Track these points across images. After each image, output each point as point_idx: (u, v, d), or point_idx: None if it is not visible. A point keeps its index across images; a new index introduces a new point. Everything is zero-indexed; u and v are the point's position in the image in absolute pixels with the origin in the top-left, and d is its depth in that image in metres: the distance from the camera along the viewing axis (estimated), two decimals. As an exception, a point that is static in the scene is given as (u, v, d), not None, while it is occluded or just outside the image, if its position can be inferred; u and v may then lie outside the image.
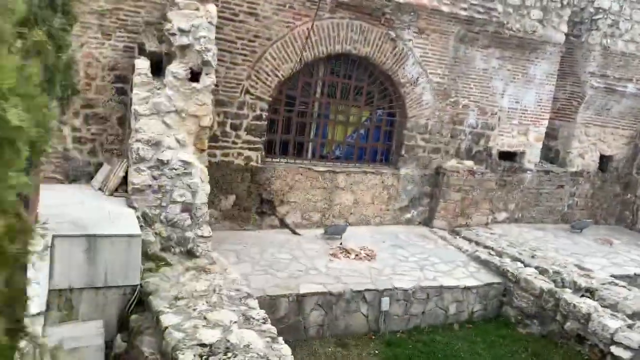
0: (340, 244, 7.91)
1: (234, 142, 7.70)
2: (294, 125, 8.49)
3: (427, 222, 9.62)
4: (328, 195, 8.65)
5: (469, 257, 8.23)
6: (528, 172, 10.52)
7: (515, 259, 8.08)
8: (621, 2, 10.51)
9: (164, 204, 6.16)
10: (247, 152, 7.82)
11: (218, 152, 7.62)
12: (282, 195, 8.26)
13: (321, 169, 8.53)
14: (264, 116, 7.85)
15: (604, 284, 7.17)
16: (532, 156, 10.53)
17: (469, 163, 9.65)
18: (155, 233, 6.12)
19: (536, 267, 7.74)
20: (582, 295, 6.99)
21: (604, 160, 11.77)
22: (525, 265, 7.81)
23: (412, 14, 8.37)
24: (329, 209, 8.72)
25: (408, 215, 9.51)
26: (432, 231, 9.35)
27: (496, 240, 8.96)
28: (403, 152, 9.18)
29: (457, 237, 9.21)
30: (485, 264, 7.95)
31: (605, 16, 10.38)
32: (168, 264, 5.93)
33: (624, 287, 7.15)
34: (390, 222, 9.34)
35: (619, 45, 10.70)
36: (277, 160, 8.32)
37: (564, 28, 9.98)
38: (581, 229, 10.75)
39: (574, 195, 11.33)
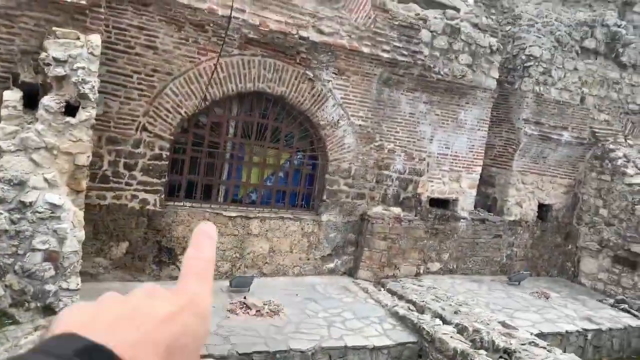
0: (244, 297, 7.20)
1: (127, 184, 7.05)
2: (202, 166, 7.91)
3: (352, 272, 8.99)
4: (239, 243, 7.99)
5: (388, 312, 7.58)
6: (462, 220, 10.07)
7: (436, 315, 7.46)
8: (552, 51, 10.46)
9: (20, 251, 5.42)
10: (143, 195, 7.17)
11: (109, 194, 6.95)
12: (185, 242, 7.56)
13: (232, 214, 7.91)
14: (164, 155, 7.26)
15: (523, 344, 6.58)
16: (466, 204, 10.12)
17: (396, 210, 9.16)
18: (6, 285, 5.35)
19: (456, 325, 7.12)
20: (500, 357, 6.38)
21: (544, 209, 11.45)
22: (445, 322, 7.20)
23: (329, 54, 8.04)
24: (241, 258, 8.03)
25: (331, 265, 8.88)
26: (355, 282, 8.71)
27: (421, 294, 8.34)
28: (325, 197, 8.64)
29: (382, 289, 8.59)
30: (402, 320, 7.30)
31: (537, 64, 10.29)
32: (16, 322, 5.14)
33: (544, 348, 6.56)
34: (311, 273, 8.68)
35: (552, 93, 10.59)
36: (181, 204, 7.68)
37: (495, 74, 9.82)
38: (519, 281, 10.25)
39: (512, 245, 10.89)
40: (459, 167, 9.88)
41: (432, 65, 9.03)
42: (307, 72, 8.05)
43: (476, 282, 10.00)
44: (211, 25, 7.11)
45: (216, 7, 7.05)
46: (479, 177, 10.20)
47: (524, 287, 10.14)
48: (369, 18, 8.29)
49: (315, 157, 8.74)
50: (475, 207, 11.02)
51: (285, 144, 8.51)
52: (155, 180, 7.22)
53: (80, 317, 0.46)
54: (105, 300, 0.49)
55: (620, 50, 11.31)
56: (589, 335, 8.37)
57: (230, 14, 6.83)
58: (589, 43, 10.91)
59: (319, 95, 8.22)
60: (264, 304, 7.04)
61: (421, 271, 9.68)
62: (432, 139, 9.48)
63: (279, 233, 8.29)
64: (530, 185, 10.96)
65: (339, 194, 8.75)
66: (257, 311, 6.82)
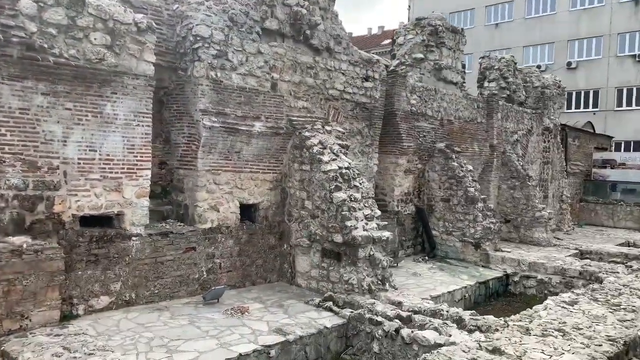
0: None
1: None
2: None
3: (-47, 337, 6.36)
4: None
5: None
6: (133, 238, 8.15)
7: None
8: (227, 31, 9.23)
9: None
10: None
11: None
12: None
13: None
14: None
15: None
16: (137, 217, 8.24)
17: (19, 239, 6.81)
18: None
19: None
20: None
21: (252, 210, 10.25)
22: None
23: None
24: None
25: None
26: (-53, 353, 6.11)
27: (43, 350, 6.12)
28: None
29: (-8, 353, 6.15)
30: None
31: (208, 45, 8.93)
32: None
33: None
34: None
35: (234, 80, 9.36)
36: None
37: (150, 57, 8.15)
38: (216, 298, 8.73)
39: (213, 256, 9.37)
40: (117, 173, 7.94)
41: (46, 46, 6.92)
42: None
43: (160, 310, 8.16)
44: None
45: None
46: (149, 182, 8.40)
47: (223, 305, 8.64)
48: None
49: None
50: (166, 218, 9.28)
51: None
52: None
53: None
54: None
55: (308, 32, 10.71)
56: (273, 351, 7.10)
57: None
58: (270, 24, 10.00)
59: None
60: None
61: (80, 312, 7.51)
62: (66, 141, 7.35)
63: None
64: (226, 186, 9.59)
65: None
66: None
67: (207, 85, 8.94)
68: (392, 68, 14.55)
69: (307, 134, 10.14)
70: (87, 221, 7.71)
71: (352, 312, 8.38)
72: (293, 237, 10.31)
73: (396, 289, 9.65)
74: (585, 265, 11.81)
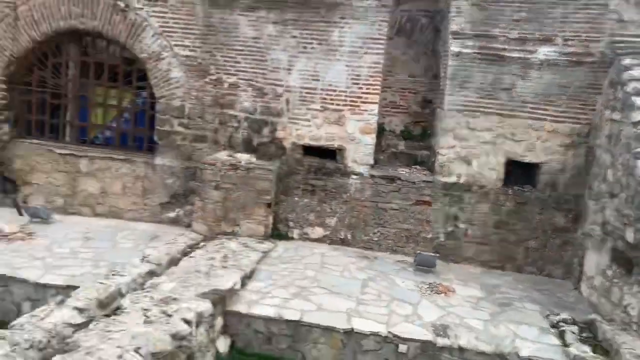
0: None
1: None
2: (48, 106, 8.44)
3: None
4: (71, 180, 8.20)
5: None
6: (353, 176, 7.58)
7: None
8: None
9: None
10: (-21, 130, 8.20)
11: (-47, 127, 8.24)
12: (24, 175, 8.28)
13: (61, 151, 8.18)
14: (-5, 94, 8.10)
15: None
16: (360, 155, 7.56)
17: (245, 157, 7.64)
18: None
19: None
20: None
21: (531, 172, 7.46)
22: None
23: (132, -23, 7.40)
24: (73, 195, 8.23)
25: (172, 214, 8.10)
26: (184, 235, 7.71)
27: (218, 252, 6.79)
28: (157, 138, 7.97)
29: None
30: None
31: (471, -55, 6.83)
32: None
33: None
34: (150, 219, 8.13)
35: (511, -13, 6.85)
36: (21, 140, 8.35)
37: (388, -28, 7.05)
38: (427, 265, 7.04)
39: (456, 219, 7.51)
40: (339, 104, 7.46)
41: (275, -26, 7.18)
42: (119, 1, 7.62)
43: (367, 259, 7.33)
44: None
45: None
46: (376, 118, 7.46)
47: (438, 275, 6.91)
48: None
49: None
50: (418, 164, 8.19)
51: (125, 83, 8.23)
52: (-15, 116, 8.15)
53: None
54: None
55: None
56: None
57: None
58: None
59: (133, 26, 7.65)
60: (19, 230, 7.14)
61: (294, 235, 7.84)
62: (290, 69, 7.49)
63: (109, 174, 8.12)
64: (487, 133, 7.31)
65: (173, 136, 7.91)
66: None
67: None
68: None
69: (627, 61, 6.30)
70: (308, 151, 7.75)
71: None
72: (588, 221, 6.89)
73: None
74: None
